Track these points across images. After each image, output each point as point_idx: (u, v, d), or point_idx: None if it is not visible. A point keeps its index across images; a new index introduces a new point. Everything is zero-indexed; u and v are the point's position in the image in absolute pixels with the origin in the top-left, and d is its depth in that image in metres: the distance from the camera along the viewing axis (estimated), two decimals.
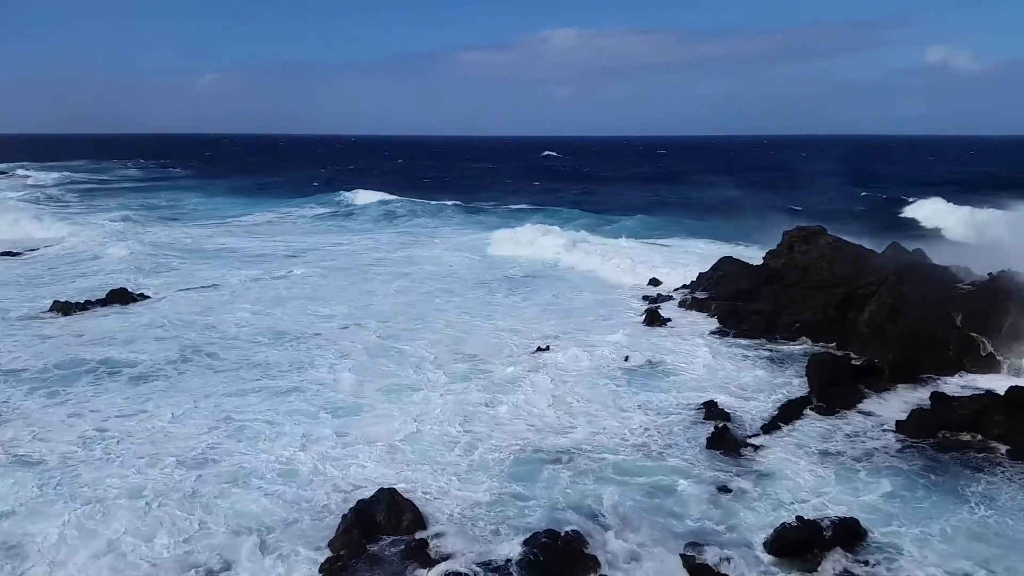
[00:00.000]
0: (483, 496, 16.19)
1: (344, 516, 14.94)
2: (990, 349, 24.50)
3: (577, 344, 27.06)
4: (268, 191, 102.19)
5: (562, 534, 14.32)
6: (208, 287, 37.15)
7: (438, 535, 14.64)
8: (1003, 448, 18.12)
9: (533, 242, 47.97)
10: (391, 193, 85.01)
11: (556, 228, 51.69)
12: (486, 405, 21.30)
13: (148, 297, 34.41)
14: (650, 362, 24.91)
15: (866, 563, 13.79)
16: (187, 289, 36.61)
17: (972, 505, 15.78)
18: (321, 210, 77.91)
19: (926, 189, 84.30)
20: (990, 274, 27.49)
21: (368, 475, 17.15)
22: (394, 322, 30.21)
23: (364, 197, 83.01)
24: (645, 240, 52.58)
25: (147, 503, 15.80)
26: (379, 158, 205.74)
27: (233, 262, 44.88)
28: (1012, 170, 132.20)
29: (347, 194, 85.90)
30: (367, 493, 15.66)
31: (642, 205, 78.14)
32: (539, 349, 26.22)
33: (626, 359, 25.10)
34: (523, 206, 79.28)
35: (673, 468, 17.62)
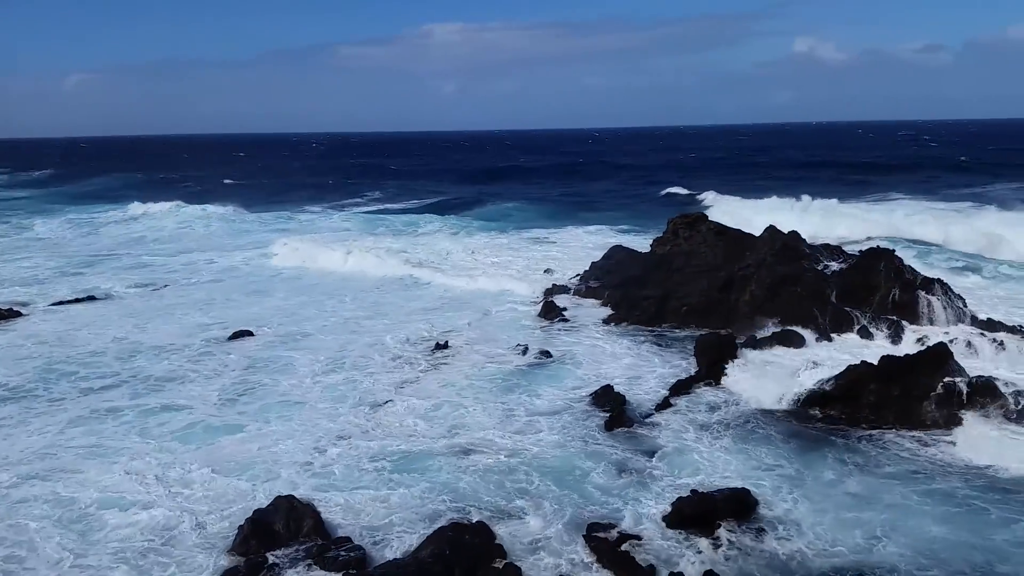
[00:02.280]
0: (384, 496, 15.97)
1: (240, 527, 14.41)
2: (863, 322, 26.08)
3: (473, 339, 27.10)
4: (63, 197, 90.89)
5: (467, 525, 14.31)
6: None
7: (341, 540, 14.32)
8: (876, 414, 19.28)
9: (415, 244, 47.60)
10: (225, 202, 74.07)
11: (449, 225, 51.62)
12: (377, 405, 20.98)
13: None
14: (546, 352, 25.18)
15: (757, 531, 14.41)
16: None
17: (849, 468, 16.78)
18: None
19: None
20: (860, 252, 29.27)
21: (250, 489, 16.52)
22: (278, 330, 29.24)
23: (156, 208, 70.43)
24: (540, 231, 53.30)
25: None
26: (234, 159, 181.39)
27: None
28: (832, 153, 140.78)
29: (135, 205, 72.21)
30: (258, 505, 15.17)
31: (536, 197, 79.11)
32: (437, 346, 26.10)
33: (524, 351, 25.29)
34: (413, 203, 78.86)
35: (573, 453, 17.92)
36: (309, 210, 71.80)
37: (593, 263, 35.82)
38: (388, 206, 77.11)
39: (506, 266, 40.45)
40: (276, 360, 25.20)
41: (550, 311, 30.12)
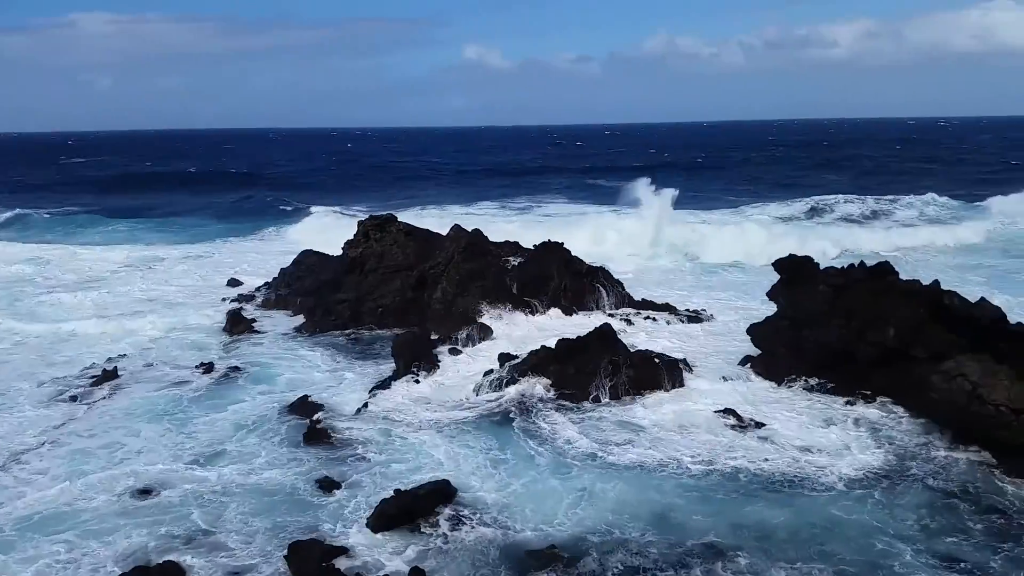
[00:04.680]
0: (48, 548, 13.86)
1: None
2: (541, 309, 28.11)
3: (152, 359, 24.71)
4: None
5: (152, 568, 12.94)
6: None
7: None
8: (555, 392, 20.86)
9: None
10: None
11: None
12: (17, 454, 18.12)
13: None
14: (235, 367, 23.70)
15: (461, 520, 14.80)
16: None
17: (543, 447, 17.92)
18: None
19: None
20: (535, 246, 31.51)
21: None
22: None
23: None
24: (227, 240, 50.30)
25: None
26: None
27: None
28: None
29: None
30: None
31: (202, 205, 73.81)
32: (105, 373, 23.27)
33: (209, 369, 23.54)
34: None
35: (271, 469, 17.07)
36: None
37: (282, 270, 34.54)
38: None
39: (182, 279, 37.49)
40: None
41: (237, 324, 28.43)
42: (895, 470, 16.36)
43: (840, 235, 45.56)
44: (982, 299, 20.33)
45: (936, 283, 21.07)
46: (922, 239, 44.61)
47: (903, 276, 22.00)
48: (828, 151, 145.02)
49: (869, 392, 20.04)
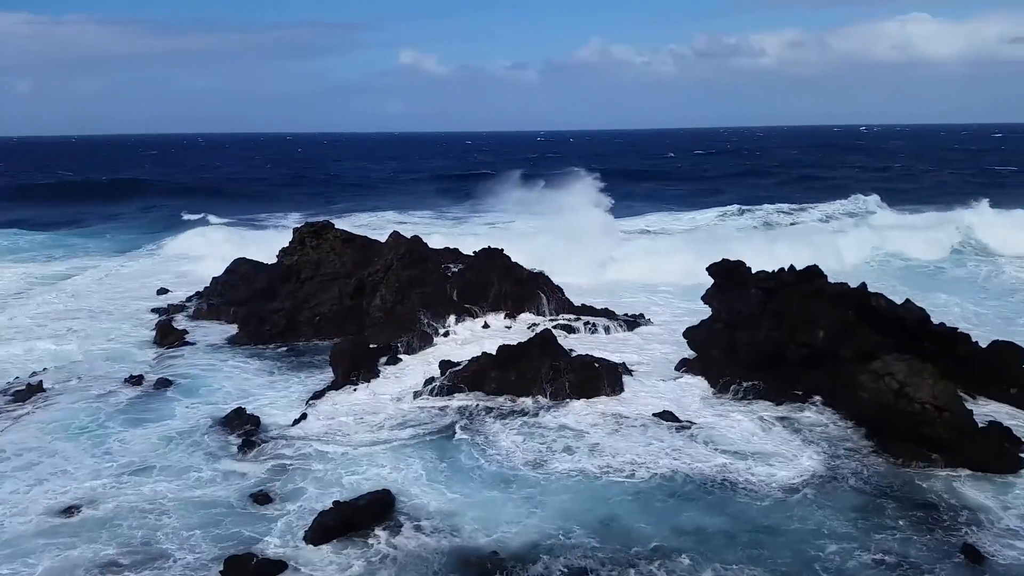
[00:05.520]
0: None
1: None
2: (482, 315, 28.10)
3: (79, 372, 23.79)
4: None
5: None
6: None
7: None
8: (500, 399, 20.86)
9: None
10: None
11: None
12: None
13: None
14: (166, 380, 22.97)
15: (401, 529, 14.65)
16: None
17: (485, 453, 17.87)
18: None
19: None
20: (475, 252, 31.48)
21: None
22: None
23: None
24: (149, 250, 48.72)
25: None
26: None
27: None
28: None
29: None
30: None
31: (109, 215, 70.50)
32: (29, 388, 22.28)
33: (139, 381, 22.78)
34: None
35: (206, 483, 16.61)
36: None
37: (214, 279, 33.67)
38: None
39: (100, 292, 36.23)
40: None
41: (167, 335, 27.59)
42: (825, 469, 16.83)
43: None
44: (907, 301, 21.15)
45: (863, 285, 21.82)
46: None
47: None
48: (755, 159, 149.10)
49: (800, 392, 20.60)
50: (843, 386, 19.30)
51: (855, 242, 43.12)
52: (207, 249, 43.57)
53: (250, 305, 29.92)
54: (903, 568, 13.30)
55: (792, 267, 22.97)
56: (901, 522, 14.72)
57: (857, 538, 14.19)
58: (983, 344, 20.87)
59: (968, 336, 20.75)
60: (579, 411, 20.02)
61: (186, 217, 62.92)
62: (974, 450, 16.63)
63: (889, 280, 34.00)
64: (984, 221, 47.08)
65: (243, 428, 19.16)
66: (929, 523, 14.67)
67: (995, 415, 18.83)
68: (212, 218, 60.98)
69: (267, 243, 38.90)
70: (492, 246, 31.16)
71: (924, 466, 16.76)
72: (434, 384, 21.41)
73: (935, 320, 20.99)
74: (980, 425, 17.58)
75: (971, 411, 17.80)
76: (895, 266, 39.87)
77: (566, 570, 13.34)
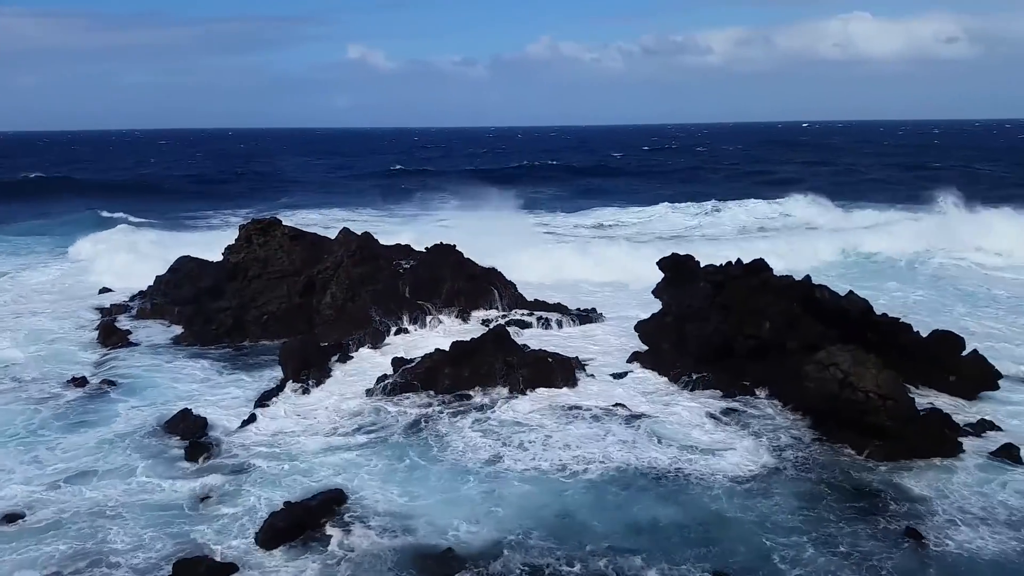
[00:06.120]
0: None
1: None
2: (435, 312, 27.94)
3: (17, 375, 23.00)
4: None
5: None
6: None
7: None
8: (454, 395, 20.75)
9: None
10: None
11: None
12: None
13: None
14: (110, 381, 22.35)
15: (354, 528, 14.48)
16: None
17: (439, 450, 17.77)
18: None
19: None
20: (427, 248, 31.27)
21: None
22: None
23: None
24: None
25: None
26: None
27: None
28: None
29: None
30: None
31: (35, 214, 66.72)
32: None
33: (82, 383, 22.10)
34: None
35: (152, 486, 16.23)
36: None
37: (158, 277, 32.81)
38: None
39: (50, 290, 35.12)
40: None
41: (110, 336, 26.85)
42: (773, 460, 17.11)
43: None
44: (851, 292, 21.67)
45: (807, 278, 22.29)
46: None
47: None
48: (699, 155, 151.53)
49: (748, 383, 20.95)
50: (789, 377, 19.68)
51: (802, 239, 44.16)
52: (126, 251, 41.37)
53: (195, 304, 29.27)
54: (850, 556, 13.58)
55: (739, 260, 23.36)
56: (847, 510, 15.04)
57: (804, 527, 14.45)
58: (924, 333, 21.51)
59: (910, 326, 21.34)
60: (533, 406, 20.03)
61: (106, 215, 60.18)
62: (916, 437, 17.12)
63: (838, 274, 34.87)
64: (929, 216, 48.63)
65: (190, 430, 18.72)
66: (874, 510, 15.03)
67: (935, 403, 19.43)
68: (132, 218, 58.48)
69: (202, 243, 38.38)
70: (444, 242, 30.99)
71: (868, 453, 17.18)
72: (387, 382, 21.22)
73: (880, 311, 21.55)
74: (921, 412, 18.11)
75: (913, 399, 18.34)
76: (845, 261, 40.71)
77: (522, 568, 13.30)
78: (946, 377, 20.74)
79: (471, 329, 26.34)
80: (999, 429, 18.27)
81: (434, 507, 15.29)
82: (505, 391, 20.79)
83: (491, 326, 24.57)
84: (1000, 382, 20.79)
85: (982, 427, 18.32)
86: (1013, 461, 16.61)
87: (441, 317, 27.69)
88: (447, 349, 21.85)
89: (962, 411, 19.41)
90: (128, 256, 39.43)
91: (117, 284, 35.05)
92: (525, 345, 23.12)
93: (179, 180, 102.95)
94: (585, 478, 16.34)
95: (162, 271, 32.83)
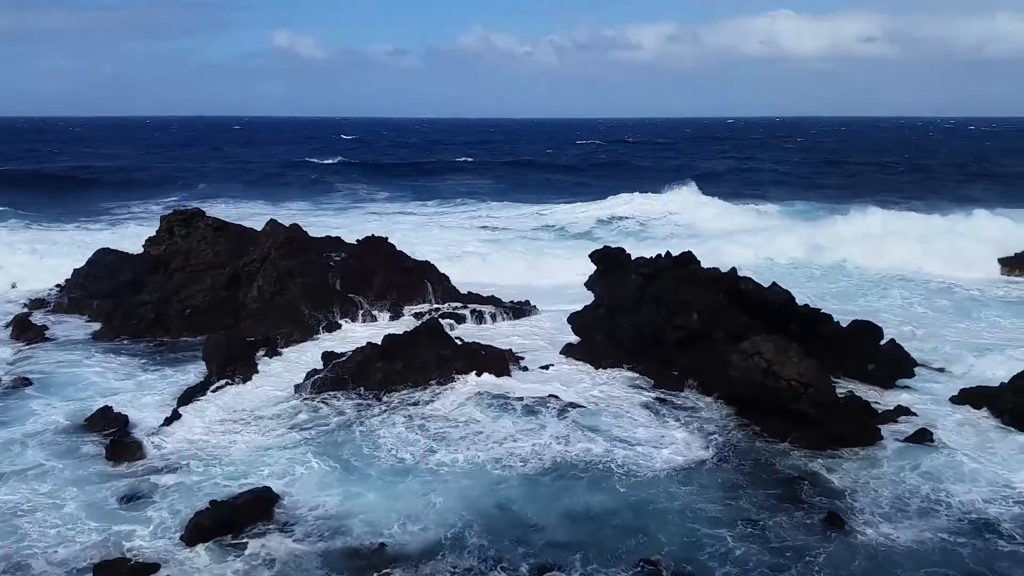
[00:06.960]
0: None
1: None
2: (366, 306, 27.61)
3: None
4: None
5: None
6: None
7: None
8: (387, 390, 20.51)
9: None
10: None
11: None
12: None
13: None
14: (25, 379, 21.36)
15: (283, 528, 14.22)
16: None
17: (370, 447, 17.56)
18: None
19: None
20: (358, 241, 30.86)
21: None
22: None
23: None
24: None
25: None
26: None
27: None
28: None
29: None
30: None
31: None
32: None
33: None
34: None
35: (71, 486, 15.61)
36: None
37: (76, 271, 31.51)
38: None
39: None
40: None
41: (25, 331, 25.67)
42: (702, 448, 17.46)
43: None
44: (774, 284, 22.30)
45: (733, 270, 22.85)
46: None
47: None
48: (629, 147, 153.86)
49: (677, 373, 21.37)
50: (716, 366, 20.15)
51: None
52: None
53: (115, 298, 28.22)
54: (774, 542, 13.94)
55: (668, 253, 23.78)
56: (771, 496, 15.45)
57: (730, 515, 14.78)
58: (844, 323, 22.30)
59: (830, 316, 22.09)
60: (467, 399, 19.96)
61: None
62: (837, 424, 17.74)
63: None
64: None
65: (110, 428, 18.05)
66: (797, 496, 15.47)
67: (855, 391, 20.16)
68: (22, 212, 54.52)
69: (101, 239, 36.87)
70: (375, 235, 30.63)
71: (791, 440, 17.72)
72: (316, 377, 20.83)
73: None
74: (841, 400, 18.78)
75: (834, 387, 19.00)
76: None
77: (455, 567, 13.20)
78: (865, 366, 21.54)
79: (404, 323, 26.14)
80: (914, 415, 19.06)
81: (366, 505, 15.08)
82: (439, 385, 20.66)
83: (424, 319, 24.40)
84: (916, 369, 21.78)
85: (898, 412, 19.09)
86: (928, 443, 17.38)
87: (373, 311, 27.39)
88: (379, 343, 21.61)
89: (880, 398, 20.19)
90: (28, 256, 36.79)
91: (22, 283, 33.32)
92: (459, 338, 23.04)
93: (96, 170, 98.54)
94: (520, 471, 16.38)
95: (66, 269, 31.48)
